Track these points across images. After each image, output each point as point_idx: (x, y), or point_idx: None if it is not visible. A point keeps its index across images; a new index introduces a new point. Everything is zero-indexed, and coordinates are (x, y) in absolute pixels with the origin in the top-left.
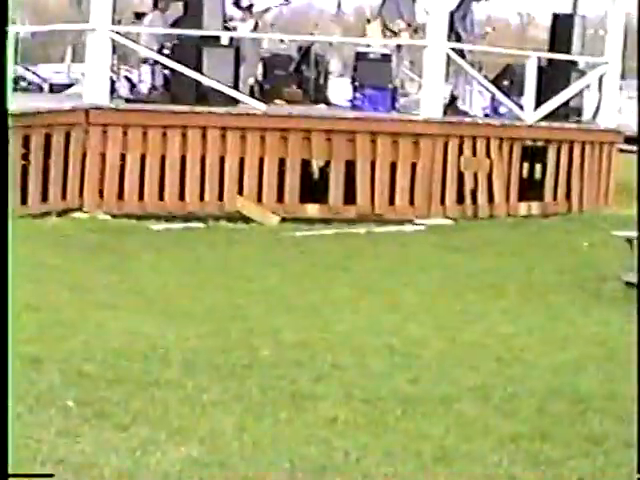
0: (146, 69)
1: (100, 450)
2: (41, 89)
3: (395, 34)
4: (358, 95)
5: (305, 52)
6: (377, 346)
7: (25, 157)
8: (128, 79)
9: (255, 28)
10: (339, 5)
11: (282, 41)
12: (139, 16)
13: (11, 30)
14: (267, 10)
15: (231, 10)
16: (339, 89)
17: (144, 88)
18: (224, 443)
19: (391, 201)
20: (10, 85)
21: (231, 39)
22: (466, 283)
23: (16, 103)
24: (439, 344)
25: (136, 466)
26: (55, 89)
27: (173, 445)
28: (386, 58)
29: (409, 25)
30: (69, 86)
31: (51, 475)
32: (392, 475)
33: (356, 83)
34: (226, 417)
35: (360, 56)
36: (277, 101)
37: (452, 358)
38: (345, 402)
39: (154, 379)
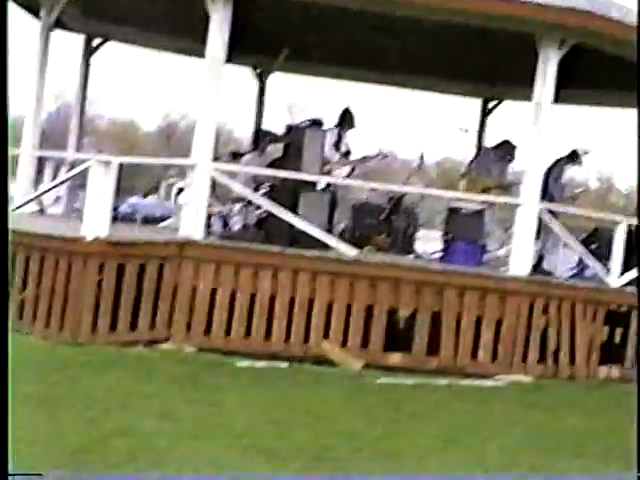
0: (240, 208)
1: None
2: (133, 220)
3: (485, 191)
4: (448, 248)
5: (396, 202)
6: None
7: (118, 285)
8: (222, 216)
9: (349, 175)
10: (421, 158)
11: (373, 190)
12: (236, 156)
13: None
14: (364, 160)
15: (330, 153)
16: (427, 241)
17: (237, 226)
18: None
19: (474, 355)
20: (109, 214)
21: (328, 184)
22: (547, 441)
23: (113, 232)
24: None
25: None
26: (148, 221)
27: None
28: (479, 214)
29: (500, 184)
30: (162, 219)
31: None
32: None
33: (447, 236)
34: None
35: (453, 210)
36: (366, 248)
37: None
38: None
39: None
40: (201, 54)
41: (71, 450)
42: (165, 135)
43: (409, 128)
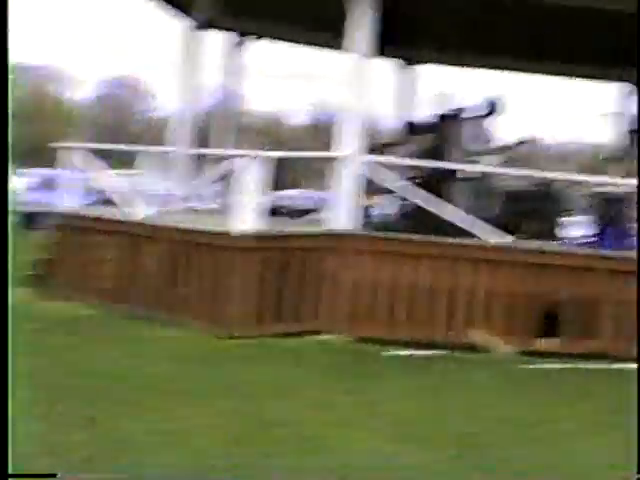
0: (391, 199)
1: None
2: (284, 213)
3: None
4: (600, 233)
5: (544, 188)
6: None
7: (269, 278)
8: (372, 207)
9: (497, 163)
10: (561, 143)
11: (520, 177)
12: (386, 147)
13: (264, 155)
14: (511, 147)
15: (477, 141)
16: (575, 226)
17: (390, 217)
18: None
19: (627, 339)
20: (260, 208)
21: (476, 172)
22: None
23: (263, 226)
24: None
25: None
26: (294, 213)
27: None
28: (629, 198)
29: None
30: (307, 211)
31: (54, 475)
32: None
33: (597, 222)
34: None
35: (601, 195)
36: (517, 235)
37: None
38: None
39: None
40: (347, 48)
41: (232, 440)
42: (314, 129)
43: (552, 114)
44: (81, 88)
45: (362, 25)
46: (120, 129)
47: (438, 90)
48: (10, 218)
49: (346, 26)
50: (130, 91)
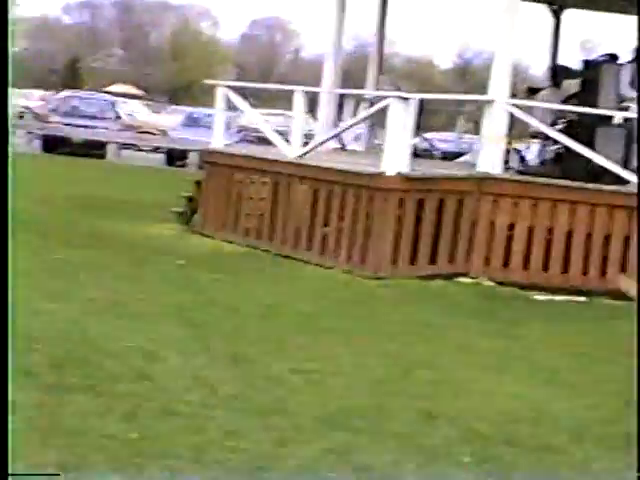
0: (537, 144)
1: None
2: (432, 156)
3: None
4: None
5: None
6: None
7: (418, 220)
8: (519, 152)
9: None
10: None
11: None
12: (533, 91)
13: (412, 98)
14: None
15: (626, 88)
16: None
17: (535, 161)
18: None
19: None
20: (409, 150)
21: (625, 119)
22: None
23: (412, 168)
24: None
25: None
26: (447, 157)
27: None
28: None
29: None
30: (459, 155)
31: (57, 474)
32: None
33: None
34: None
35: None
36: None
37: None
38: None
39: (544, 444)
40: None
41: (375, 381)
42: (460, 72)
43: None
44: (229, 27)
45: None
46: (266, 69)
47: (585, 37)
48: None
49: None
50: (277, 31)
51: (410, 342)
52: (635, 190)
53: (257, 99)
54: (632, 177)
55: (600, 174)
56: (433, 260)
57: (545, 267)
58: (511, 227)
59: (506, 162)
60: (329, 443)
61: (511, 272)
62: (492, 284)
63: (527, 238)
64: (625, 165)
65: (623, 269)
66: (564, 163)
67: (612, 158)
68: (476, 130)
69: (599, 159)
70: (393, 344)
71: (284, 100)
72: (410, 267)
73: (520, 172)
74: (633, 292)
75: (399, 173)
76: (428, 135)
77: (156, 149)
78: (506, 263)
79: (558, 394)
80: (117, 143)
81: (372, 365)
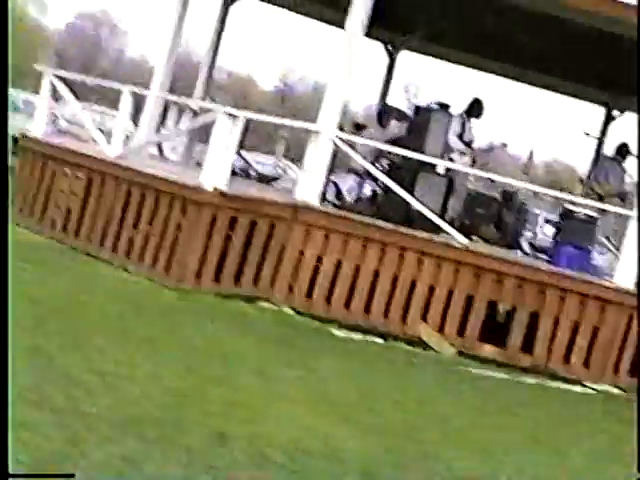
0: (356, 179)
1: None
2: (248, 176)
3: (601, 198)
4: (556, 250)
5: (508, 196)
6: None
7: (228, 238)
8: (337, 185)
9: (470, 164)
10: (531, 155)
11: (492, 181)
12: (359, 127)
13: (242, 114)
14: (486, 150)
15: (453, 139)
16: (535, 238)
17: (351, 197)
18: None
19: (566, 359)
20: (229, 167)
21: (447, 170)
22: (630, 453)
23: (229, 186)
24: None
25: None
26: (262, 179)
27: None
28: (593, 220)
29: (618, 193)
30: (274, 178)
31: (57, 475)
32: None
33: (557, 238)
34: None
35: (567, 213)
36: (474, 238)
37: None
38: None
39: None
40: (337, 24)
41: (171, 393)
42: (280, 96)
43: (521, 124)
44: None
45: (360, 6)
46: (88, 62)
47: (409, 80)
48: None
49: (345, 3)
50: (104, 26)
51: (207, 359)
52: (445, 240)
53: (85, 92)
54: (446, 227)
55: (415, 219)
56: (238, 280)
57: (347, 304)
58: (319, 259)
59: (323, 194)
60: (121, 449)
61: (314, 304)
62: (293, 313)
63: (334, 273)
64: (442, 215)
65: (425, 317)
66: (380, 203)
67: (430, 205)
68: (293, 155)
69: (416, 204)
70: (191, 358)
71: (100, 95)
72: (214, 284)
73: (335, 206)
74: (432, 342)
75: (215, 189)
76: (246, 154)
77: None
78: (310, 294)
79: (350, 432)
80: None
81: (169, 376)
